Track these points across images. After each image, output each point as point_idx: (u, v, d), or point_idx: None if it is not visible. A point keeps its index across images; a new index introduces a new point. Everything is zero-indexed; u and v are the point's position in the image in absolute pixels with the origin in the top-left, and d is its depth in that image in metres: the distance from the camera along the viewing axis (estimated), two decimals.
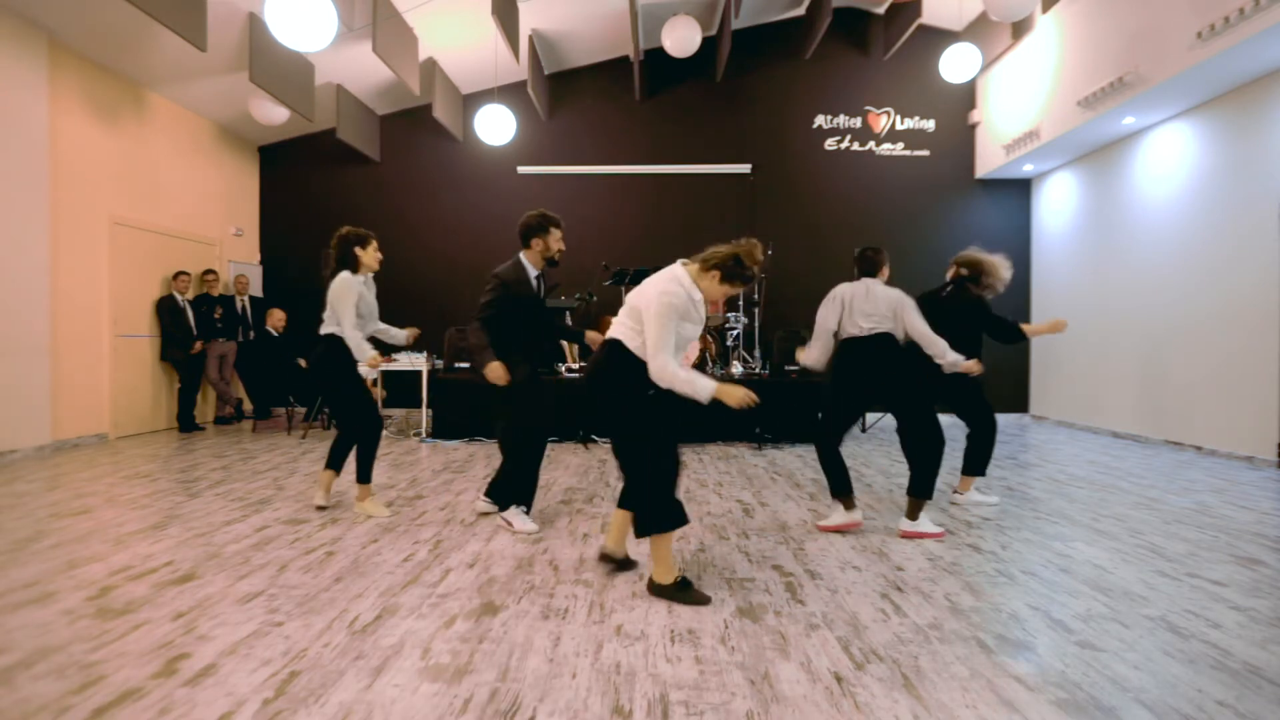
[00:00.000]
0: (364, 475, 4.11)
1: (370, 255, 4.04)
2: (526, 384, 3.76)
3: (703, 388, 2.61)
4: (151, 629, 2.42)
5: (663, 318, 2.63)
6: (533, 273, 3.80)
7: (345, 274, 3.96)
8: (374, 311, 4.16)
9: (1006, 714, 1.91)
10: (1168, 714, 1.92)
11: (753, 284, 2.72)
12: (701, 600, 2.70)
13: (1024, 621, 2.53)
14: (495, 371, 3.67)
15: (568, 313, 7.46)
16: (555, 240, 3.81)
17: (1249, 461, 5.73)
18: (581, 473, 5.29)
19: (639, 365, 2.73)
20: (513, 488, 3.79)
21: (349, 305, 3.90)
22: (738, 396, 2.62)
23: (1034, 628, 2.48)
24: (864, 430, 7.74)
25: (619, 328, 2.80)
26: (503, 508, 3.79)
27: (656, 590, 2.76)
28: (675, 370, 2.65)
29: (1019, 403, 9.00)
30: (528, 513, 3.78)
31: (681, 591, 2.72)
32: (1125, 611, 2.64)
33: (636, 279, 7.27)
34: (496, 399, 3.81)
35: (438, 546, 3.41)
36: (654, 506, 2.70)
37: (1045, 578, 3.01)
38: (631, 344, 2.75)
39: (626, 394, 2.76)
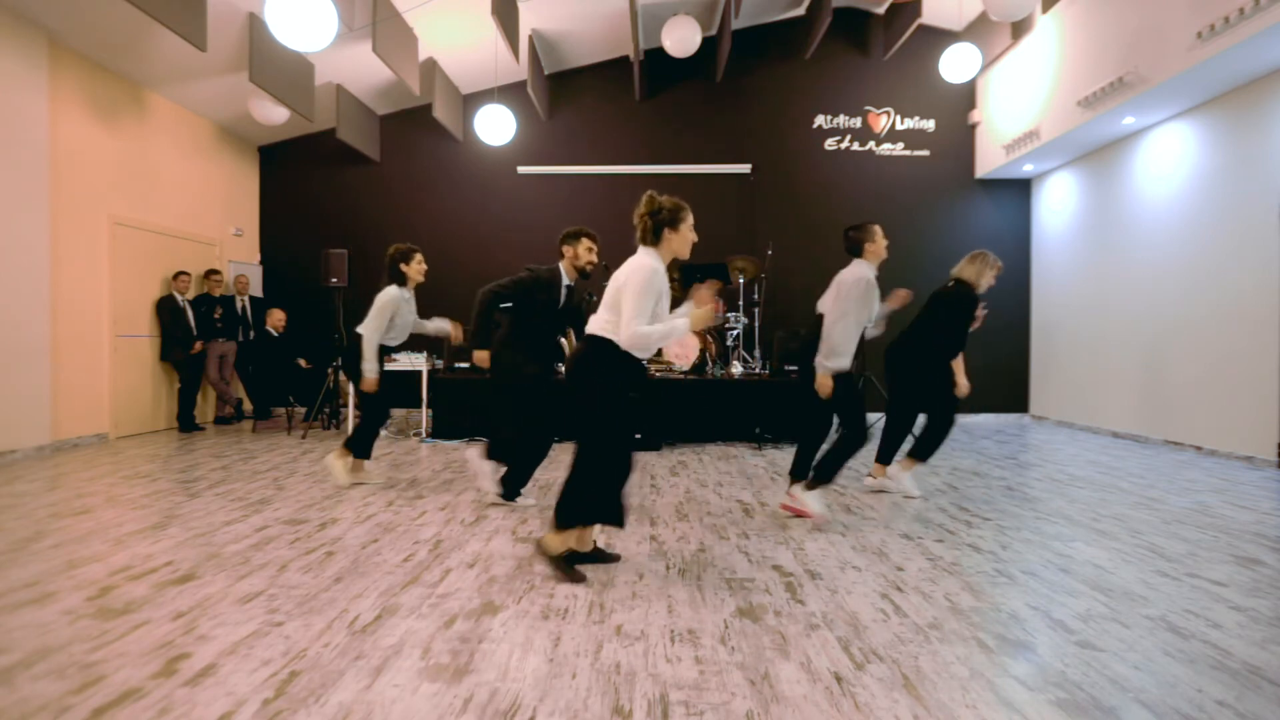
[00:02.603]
0: (364, 451, 4.71)
1: (414, 268, 4.60)
2: (534, 385, 3.98)
3: (679, 326, 2.83)
4: (151, 629, 2.42)
5: (641, 292, 2.79)
6: (565, 282, 3.98)
7: (391, 288, 4.55)
8: (408, 327, 4.67)
9: (1006, 714, 1.91)
10: (1168, 714, 1.92)
11: (677, 219, 2.91)
12: (577, 579, 2.91)
13: (1024, 621, 2.53)
14: (478, 357, 4.03)
15: None
16: (584, 250, 3.92)
17: (1249, 461, 5.73)
18: None
19: (624, 359, 2.87)
20: (512, 481, 4.14)
21: (382, 314, 4.48)
22: (704, 314, 2.84)
23: (1034, 628, 2.48)
24: None
25: (597, 323, 2.90)
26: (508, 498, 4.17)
27: (543, 549, 2.99)
28: (648, 330, 2.80)
29: (1019, 403, 9.00)
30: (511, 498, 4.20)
31: (565, 564, 2.96)
32: (1125, 611, 2.64)
33: None
34: (503, 396, 4.11)
35: (438, 546, 3.41)
36: (594, 500, 2.91)
37: (1045, 578, 3.01)
38: (614, 336, 2.87)
39: (608, 390, 2.86)
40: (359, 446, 4.68)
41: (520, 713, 1.91)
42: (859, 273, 3.81)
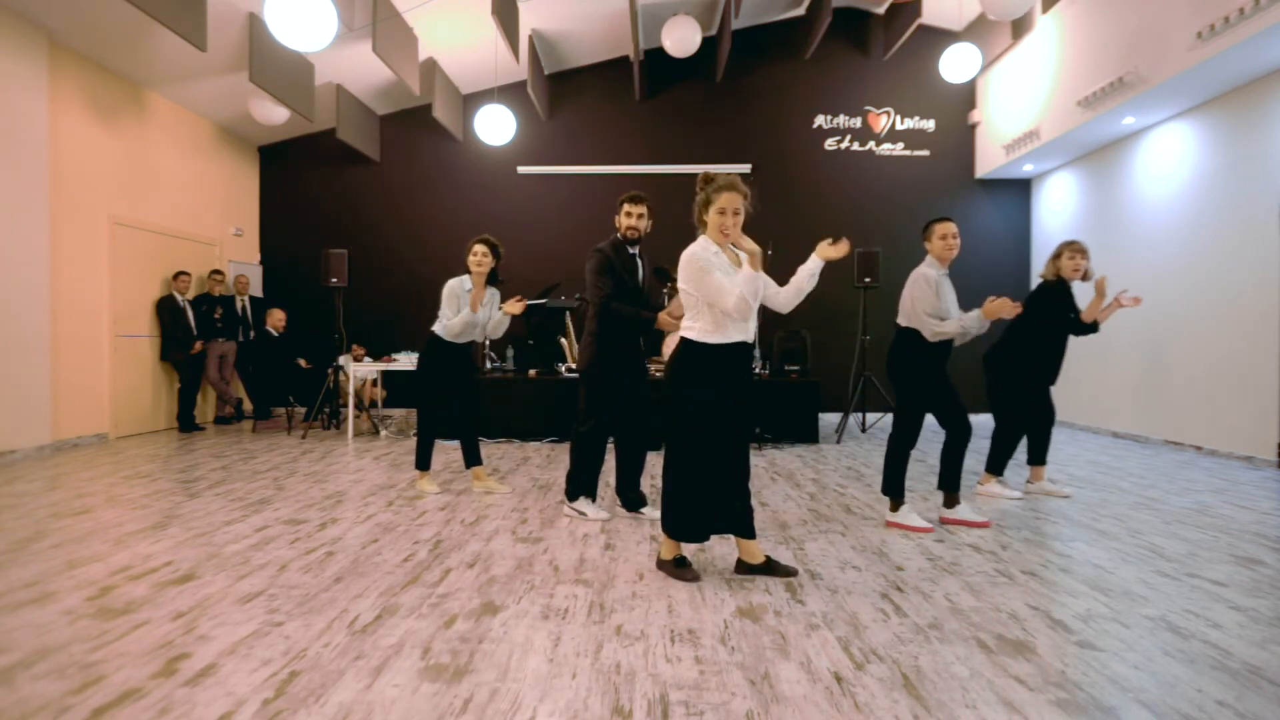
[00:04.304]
0: (474, 459, 4.53)
1: (469, 260, 4.30)
2: (603, 378, 3.76)
3: (745, 279, 2.72)
4: (151, 629, 2.42)
5: (699, 274, 2.77)
6: (630, 251, 3.83)
7: (458, 278, 4.37)
8: (477, 324, 4.37)
9: (1006, 714, 1.91)
10: (1168, 714, 1.92)
11: (734, 195, 2.82)
12: (787, 572, 2.97)
13: (1024, 621, 2.53)
14: (666, 321, 3.60)
15: (567, 313, 7.46)
16: (623, 215, 3.79)
17: (1249, 461, 5.73)
18: None
19: (711, 358, 2.83)
20: (578, 480, 3.93)
21: (445, 304, 4.32)
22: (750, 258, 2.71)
23: (1034, 628, 2.48)
24: (864, 430, 7.74)
25: (684, 329, 2.91)
26: (570, 498, 3.97)
27: (747, 560, 2.99)
28: (742, 293, 2.71)
29: None
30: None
31: (767, 567, 2.97)
32: (1125, 611, 2.64)
33: None
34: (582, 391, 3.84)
35: (438, 546, 3.41)
36: (674, 510, 2.93)
37: (1045, 578, 3.01)
38: (697, 335, 2.84)
39: (690, 395, 2.84)
40: (419, 458, 4.53)
41: (520, 713, 1.91)
42: (916, 272, 3.80)
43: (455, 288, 4.34)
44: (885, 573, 3.06)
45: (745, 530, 2.95)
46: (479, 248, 4.29)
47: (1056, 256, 4.50)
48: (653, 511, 3.93)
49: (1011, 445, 4.55)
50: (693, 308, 2.86)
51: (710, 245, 2.87)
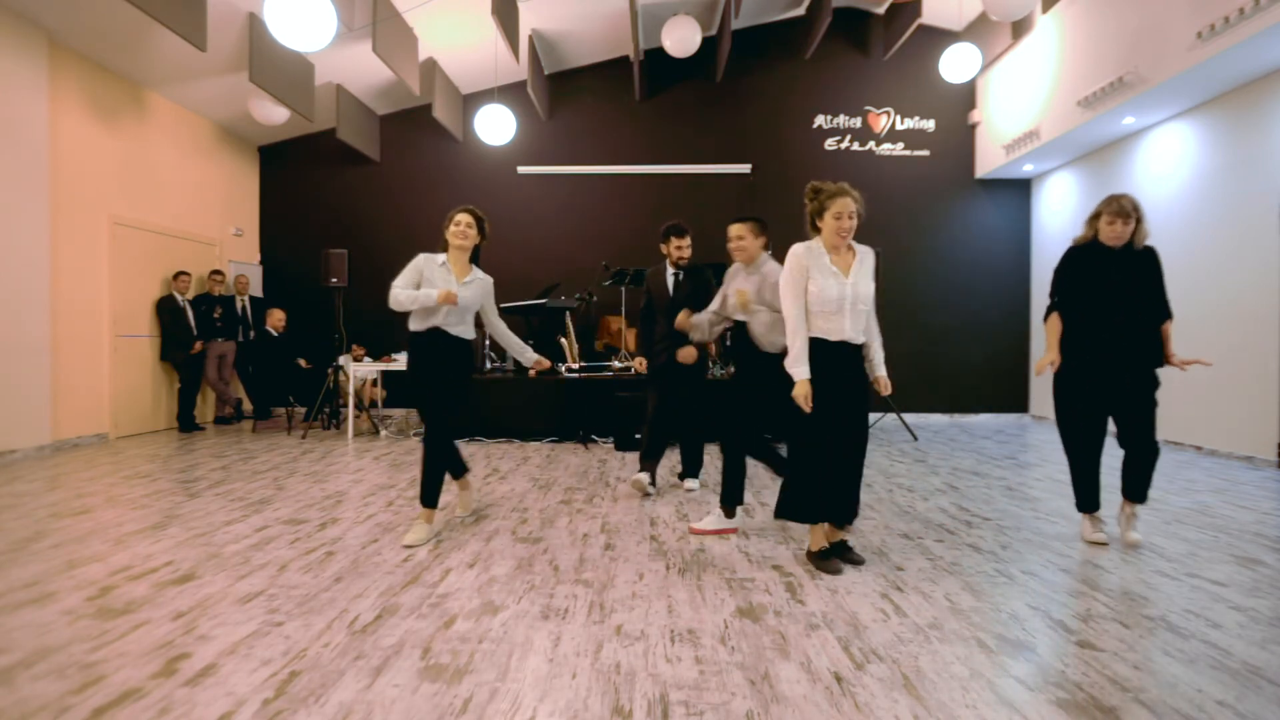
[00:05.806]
0: (455, 472, 3.86)
1: (448, 230, 3.56)
2: (652, 374, 4.53)
3: (797, 371, 2.94)
4: (151, 629, 2.42)
5: (789, 279, 3.07)
6: (669, 272, 4.48)
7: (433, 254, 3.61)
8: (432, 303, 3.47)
9: (1006, 714, 1.91)
10: (1168, 714, 1.92)
11: (846, 199, 3.15)
12: (835, 570, 3.03)
13: (1024, 621, 2.53)
14: (686, 354, 4.34)
15: (568, 313, 7.46)
16: (674, 248, 4.42)
17: (1249, 461, 5.73)
18: (581, 473, 5.29)
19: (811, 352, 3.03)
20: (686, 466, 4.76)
21: (405, 273, 3.50)
22: (798, 393, 2.92)
23: (1034, 628, 2.48)
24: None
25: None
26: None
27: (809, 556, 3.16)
28: (787, 335, 3.02)
29: (1019, 403, 9.00)
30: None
31: (822, 560, 3.09)
32: (1125, 611, 2.64)
33: (637, 279, 7.26)
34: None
35: (438, 546, 3.41)
36: (789, 496, 3.10)
37: (1045, 578, 3.01)
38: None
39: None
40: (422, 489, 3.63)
41: (520, 713, 1.91)
42: None
43: (419, 260, 3.55)
44: (885, 573, 3.06)
45: (840, 519, 3.13)
46: (462, 217, 3.53)
47: (1095, 216, 3.42)
48: (693, 483, 4.65)
49: (1072, 471, 3.76)
50: None
51: (817, 248, 3.08)
